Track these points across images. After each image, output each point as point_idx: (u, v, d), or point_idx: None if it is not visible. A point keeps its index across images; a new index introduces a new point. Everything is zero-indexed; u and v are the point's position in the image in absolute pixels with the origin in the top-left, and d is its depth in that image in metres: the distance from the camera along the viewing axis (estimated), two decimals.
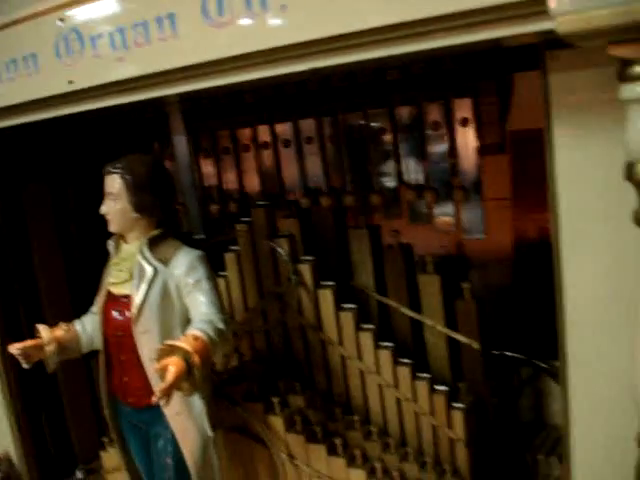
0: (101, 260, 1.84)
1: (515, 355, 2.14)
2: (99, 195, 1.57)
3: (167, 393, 1.22)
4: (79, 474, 2.29)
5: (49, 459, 2.29)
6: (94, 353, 1.85)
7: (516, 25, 0.83)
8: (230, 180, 1.95)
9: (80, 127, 1.94)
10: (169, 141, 1.97)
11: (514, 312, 2.21)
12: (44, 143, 2.14)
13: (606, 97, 0.96)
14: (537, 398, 2.07)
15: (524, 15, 0.82)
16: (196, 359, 1.25)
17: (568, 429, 1.23)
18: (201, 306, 1.39)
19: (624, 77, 0.78)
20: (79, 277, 2.29)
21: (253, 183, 1.93)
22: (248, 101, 1.87)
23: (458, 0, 0.88)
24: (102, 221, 1.56)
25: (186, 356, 1.25)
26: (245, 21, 1.11)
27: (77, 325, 1.56)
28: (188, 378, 1.25)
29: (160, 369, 1.23)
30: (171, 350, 1.26)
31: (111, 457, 2.00)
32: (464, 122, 1.61)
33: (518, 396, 2.19)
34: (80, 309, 1.66)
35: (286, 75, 1.13)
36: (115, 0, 1.25)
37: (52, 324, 1.62)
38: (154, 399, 1.22)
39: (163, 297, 1.41)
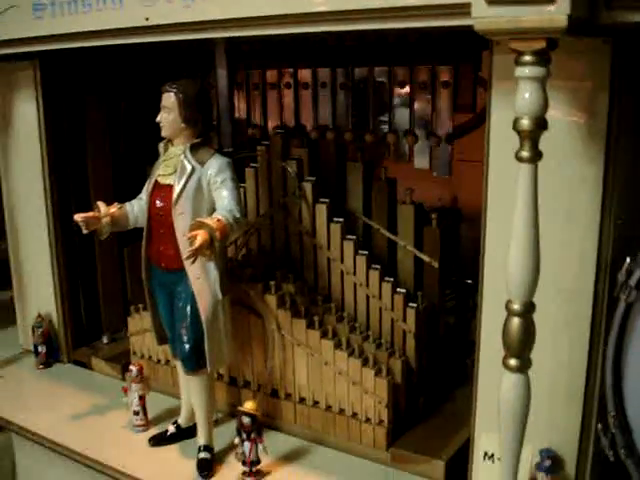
0: (139, 161, 2.42)
1: (470, 282, 2.61)
2: (145, 109, 2.02)
3: (194, 254, 1.69)
4: (105, 339, 2.79)
5: (81, 324, 2.79)
6: (126, 243, 2.45)
7: (449, 20, 1.27)
8: (256, 111, 2.39)
9: (136, 51, 2.35)
10: (213, 72, 2.41)
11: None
12: (103, 62, 2.58)
13: None
14: None
15: (457, 13, 1.25)
16: (217, 234, 1.71)
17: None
18: (224, 199, 1.84)
19: (517, 62, 1.20)
20: (121, 173, 2.76)
21: (274, 115, 2.38)
22: (276, 48, 2.30)
23: None
24: (143, 130, 2.01)
25: (210, 231, 1.71)
26: None
27: (127, 206, 2.02)
28: (210, 247, 1.72)
29: (191, 237, 1.70)
30: (200, 225, 1.72)
31: (135, 322, 2.48)
32: (445, 84, 2.04)
33: (470, 318, 2.65)
34: (120, 197, 2.11)
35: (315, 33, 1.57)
36: None
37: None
38: (184, 257, 1.70)
39: (197, 189, 1.86)
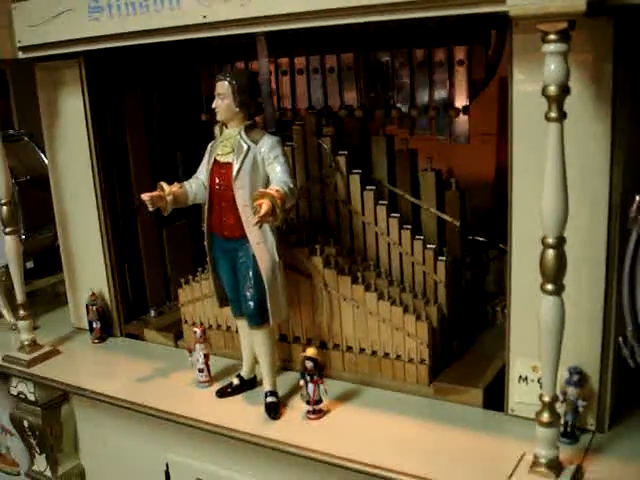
0: (170, 146, 2.79)
1: (485, 239, 2.90)
2: (175, 100, 2.29)
3: (261, 221, 1.95)
4: (152, 312, 3.04)
5: (129, 300, 3.04)
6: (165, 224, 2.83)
7: (489, 6, 1.55)
8: (290, 94, 2.67)
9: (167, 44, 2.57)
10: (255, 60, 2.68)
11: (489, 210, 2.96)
12: (139, 56, 2.80)
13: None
14: (499, 274, 2.80)
15: (494, 2, 1.53)
16: (279, 202, 1.97)
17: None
18: (278, 172, 2.10)
19: (543, 40, 1.48)
20: (156, 157, 3.02)
21: (305, 98, 2.65)
22: (303, 36, 2.55)
23: None
24: (173, 116, 2.33)
25: (272, 200, 1.97)
26: None
27: (186, 185, 2.27)
28: (272, 214, 1.98)
29: (257, 205, 1.96)
30: (262, 195, 1.98)
31: (185, 294, 2.74)
32: (460, 63, 2.32)
33: (485, 272, 2.95)
34: (156, 179, 2.32)
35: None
36: None
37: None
38: (253, 223, 1.97)
39: (253, 165, 2.11)
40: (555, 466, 1.74)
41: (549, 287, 1.61)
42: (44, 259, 3.30)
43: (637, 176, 1.78)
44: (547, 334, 1.64)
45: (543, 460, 1.73)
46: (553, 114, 1.52)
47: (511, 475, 1.76)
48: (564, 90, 1.50)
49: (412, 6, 1.67)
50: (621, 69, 1.74)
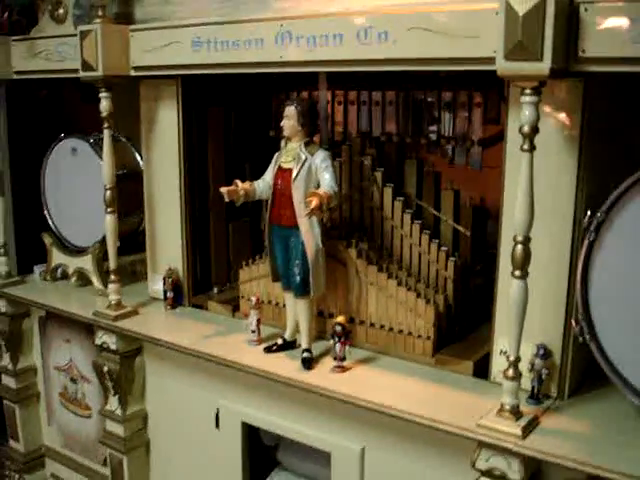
0: (241, 157, 3.43)
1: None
2: (249, 118, 3.09)
3: (312, 213, 2.58)
4: (215, 289, 3.68)
5: (197, 278, 3.67)
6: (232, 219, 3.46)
7: (485, 66, 2.16)
8: (342, 120, 3.32)
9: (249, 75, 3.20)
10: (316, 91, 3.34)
11: None
12: (221, 81, 3.47)
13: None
14: None
15: (488, 63, 2.14)
16: (326, 200, 2.60)
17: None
18: (326, 179, 2.72)
19: (522, 93, 2.07)
20: (230, 165, 3.67)
21: (354, 124, 3.30)
22: (356, 75, 3.18)
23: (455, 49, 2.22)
24: (246, 135, 3.11)
25: (321, 198, 2.59)
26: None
27: (255, 183, 2.90)
28: (319, 209, 2.61)
29: (308, 201, 2.58)
30: (313, 194, 2.61)
31: (245, 274, 3.36)
32: (478, 104, 2.93)
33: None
34: (229, 181, 2.93)
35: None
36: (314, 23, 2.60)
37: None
38: (305, 214, 2.59)
39: (308, 172, 2.74)
40: (516, 412, 2.29)
41: (517, 273, 2.18)
42: (128, 241, 3.95)
43: (596, 196, 2.32)
44: (514, 308, 2.21)
45: (507, 407, 2.29)
46: (526, 147, 2.11)
47: (482, 417, 2.33)
48: (534, 130, 2.10)
49: (430, 62, 2.31)
50: (588, 117, 2.31)
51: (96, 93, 3.30)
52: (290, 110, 2.77)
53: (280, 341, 2.99)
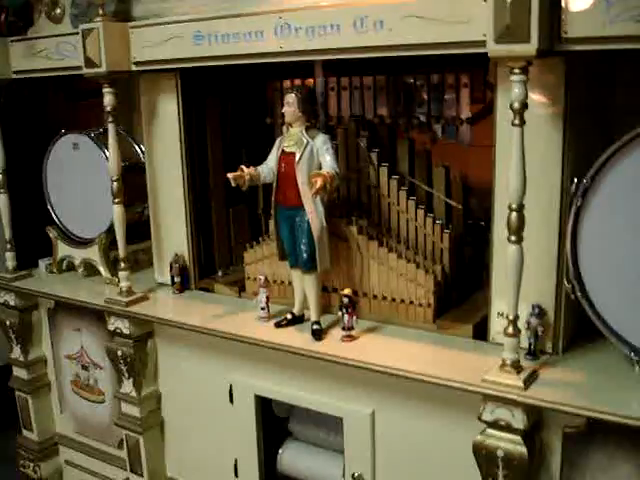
0: (239, 145, 3.55)
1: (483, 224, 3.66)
2: (246, 106, 3.26)
3: (317, 193, 2.76)
4: (220, 272, 3.85)
5: (202, 262, 3.84)
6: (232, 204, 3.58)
7: (476, 48, 2.34)
8: (336, 105, 3.49)
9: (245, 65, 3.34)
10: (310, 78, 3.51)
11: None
12: (219, 73, 3.60)
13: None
14: None
15: (478, 45, 2.32)
16: (329, 180, 2.78)
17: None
18: (328, 161, 2.90)
19: (511, 72, 2.25)
20: (228, 153, 3.83)
21: (347, 109, 3.48)
22: (348, 62, 3.35)
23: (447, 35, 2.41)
24: (242, 124, 3.19)
25: (324, 179, 2.77)
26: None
27: (259, 168, 3.07)
28: (323, 188, 2.78)
29: (313, 181, 2.76)
30: (317, 174, 2.79)
31: (250, 255, 3.53)
32: (465, 85, 3.12)
33: (484, 249, 3.70)
34: (229, 169, 3.09)
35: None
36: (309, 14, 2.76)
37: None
38: (312, 194, 2.77)
39: (309, 155, 2.91)
40: (517, 367, 2.49)
41: (513, 238, 2.38)
42: (129, 231, 4.08)
43: (580, 167, 2.53)
44: (511, 270, 2.41)
45: (508, 362, 2.49)
46: (516, 122, 2.30)
47: (485, 373, 2.53)
48: (524, 106, 2.29)
49: (424, 47, 2.50)
50: (572, 91, 2.51)
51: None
52: (291, 97, 2.94)
53: (289, 316, 3.17)
